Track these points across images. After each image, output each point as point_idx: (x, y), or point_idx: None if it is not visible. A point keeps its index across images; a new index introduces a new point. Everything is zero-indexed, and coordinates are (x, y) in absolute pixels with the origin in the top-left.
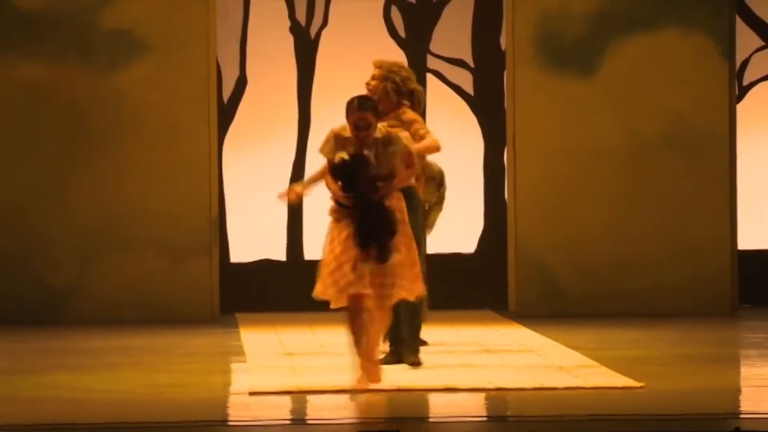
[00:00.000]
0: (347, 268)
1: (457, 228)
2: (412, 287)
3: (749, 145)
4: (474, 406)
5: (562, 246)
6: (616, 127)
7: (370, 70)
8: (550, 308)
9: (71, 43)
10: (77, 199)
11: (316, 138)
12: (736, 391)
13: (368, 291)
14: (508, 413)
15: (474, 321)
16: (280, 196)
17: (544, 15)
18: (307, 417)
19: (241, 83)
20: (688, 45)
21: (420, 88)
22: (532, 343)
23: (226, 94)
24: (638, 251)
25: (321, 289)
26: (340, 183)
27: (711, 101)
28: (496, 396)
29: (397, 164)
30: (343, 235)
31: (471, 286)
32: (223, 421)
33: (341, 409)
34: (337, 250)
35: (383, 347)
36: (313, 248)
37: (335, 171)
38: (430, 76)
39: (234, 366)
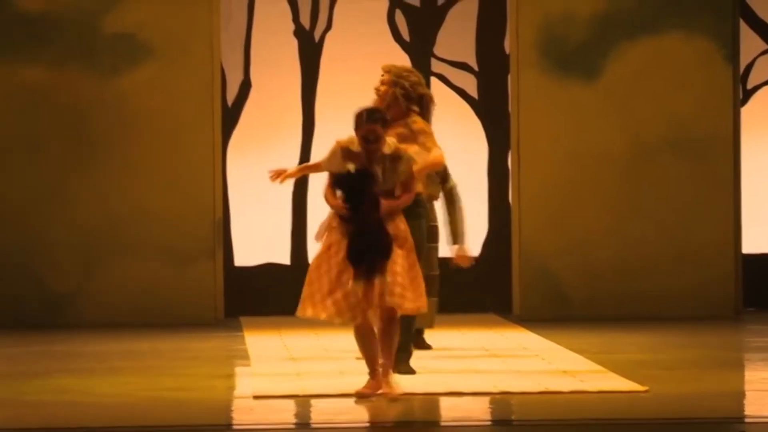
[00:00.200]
0: (339, 295)
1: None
2: (417, 300)
3: (753, 149)
4: (479, 410)
5: (566, 250)
6: (620, 131)
7: (374, 74)
8: (554, 312)
9: (74, 47)
10: (80, 203)
11: (320, 141)
12: (740, 394)
13: (367, 316)
14: (513, 417)
15: (478, 325)
16: (271, 176)
17: (547, 19)
18: (311, 421)
19: (245, 87)
20: (692, 49)
21: (429, 92)
22: (536, 347)
23: (230, 97)
24: (642, 255)
25: (311, 312)
26: (341, 195)
27: (715, 105)
28: (500, 400)
29: (398, 185)
30: (339, 256)
31: (475, 290)
32: (227, 425)
33: (345, 413)
34: (333, 273)
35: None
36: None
37: (339, 182)
38: (434, 80)
39: (238, 370)
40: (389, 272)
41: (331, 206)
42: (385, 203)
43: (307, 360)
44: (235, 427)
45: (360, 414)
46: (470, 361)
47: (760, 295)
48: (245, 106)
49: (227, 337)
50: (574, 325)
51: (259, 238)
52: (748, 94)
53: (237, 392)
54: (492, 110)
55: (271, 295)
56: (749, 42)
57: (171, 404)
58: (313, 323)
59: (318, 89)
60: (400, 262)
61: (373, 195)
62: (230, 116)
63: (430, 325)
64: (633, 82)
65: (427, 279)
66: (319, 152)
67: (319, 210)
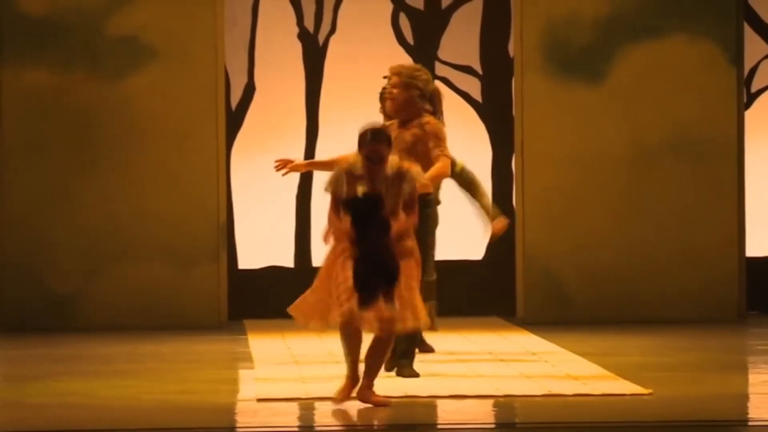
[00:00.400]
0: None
1: (464, 235)
2: (416, 319)
3: (757, 152)
4: (482, 413)
5: (570, 252)
6: (624, 134)
7: (378, 76)
8: (557, 315)
9: (78, 51)
10: (84, 206)
11: (325, 145)
12: (744, 397)
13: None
14: (516, 420)
15: (482, 328)
16: (278, 166)
17: (551, 22)
18: (314, 424)
19: (249, 90)
20: (696, 52)
21: (437, 88)
22: (539, 350)
23: (234, 101)
24: (645, 258)
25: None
26: (349, 218)
27: (719, 108)
28: (504, 403)
29: (402, 204)
30: (348, 272)
31: (479, 293)
32: (231, 428)
33: (349, 416)
34: (341, 290)
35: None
36: (322, 255)
37: (347, 206)
38: (438, 83)
39: (242, 373)
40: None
41: (334, 226)
42: (394, 228)
43: (310, 363)
44: (238, 429)
45: (363, 417)
46: (473, 364)
47: (763, 298)
48: (249, 110)
49: (231, 340)
50: (578, 328)
51: (262, 241)
52: (752, 98)
53: (240, 395)
54: (496, 113)
55: (274, 298)
56: (753, 45)
57: (174, 407)
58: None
59: (322, 92)
60: (403, 280)
61: (381, 219)
62: (234, 119)
63: (434, 329)
64: (636, 85)
65: (426, 285)
66: (323, 155)
67: (323, 213)
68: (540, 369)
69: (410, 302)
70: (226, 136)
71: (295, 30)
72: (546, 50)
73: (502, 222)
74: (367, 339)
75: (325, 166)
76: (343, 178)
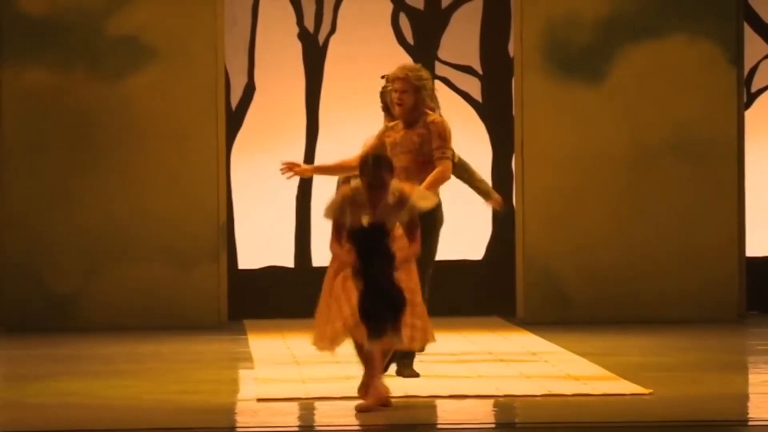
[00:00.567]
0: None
1: (464, 235)
2: (424, 337)
3: (757, 152)
4: (482, 413)
5: (570, 253)
6: (624, 134)
7: (377, 76)
8: (557, 315)
9: (78, 51)
10: (84, 206)
11: (325, 145)
12: (744, 397)
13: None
14: (516, 420)
15: (482, 328)
16: (283, 169)
17: (551, 22)
18: (315, 424)
19: (249, 90)
20: (696, 52)
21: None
22: (539, 350)
23: (234, 101)
24: (645, 258)
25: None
26: (354, 249)
27: (719, 108)
28: (504, 403)
29: (404, 230)
30: (349, 292)
31: (479, 293)
32: (231, 428)
33: (349, 416)
34: (346, 310)
35: None
36: (322, 255)
37: (353, 237)
38: (438, 83)
39: (242, 372)
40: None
41: (336, 254)
42: (399, 257)
43: (310, 363)
44: (238, 429)
45: (363, 417)
46: (474, 364)
47: (763, 298)
48: (249, 110)
49: (231, 340)
50: (578, 328)
51: (262, 241)
52: (752, 98)
53: (240, 395)
54: (496, 113)
55: (274, 298)
56: (753, 45)
57: (174, 407)
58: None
59: (322, 92)
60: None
61: (386, 250)
62: (234, 119)
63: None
64: (636, 86)
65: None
66: (323, 155)
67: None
68: (540, 369)
69: (419, 320)
70: (226, 136)
71: (295, 30)
72: (546, 50)
73: (497, 199)
74: None
75: (330, 170)
76: (344, 205)
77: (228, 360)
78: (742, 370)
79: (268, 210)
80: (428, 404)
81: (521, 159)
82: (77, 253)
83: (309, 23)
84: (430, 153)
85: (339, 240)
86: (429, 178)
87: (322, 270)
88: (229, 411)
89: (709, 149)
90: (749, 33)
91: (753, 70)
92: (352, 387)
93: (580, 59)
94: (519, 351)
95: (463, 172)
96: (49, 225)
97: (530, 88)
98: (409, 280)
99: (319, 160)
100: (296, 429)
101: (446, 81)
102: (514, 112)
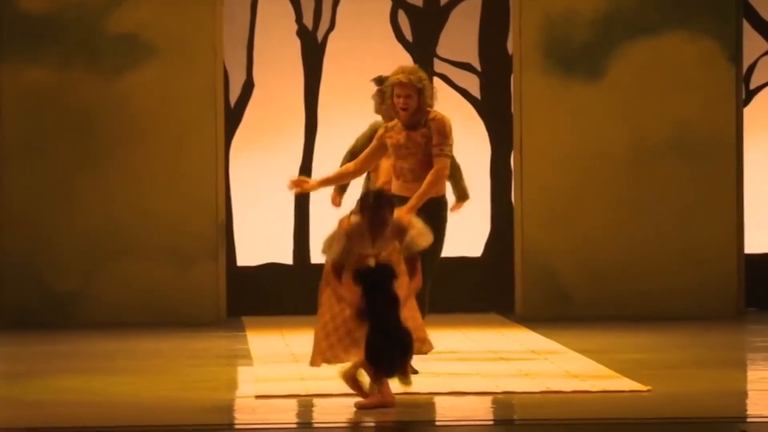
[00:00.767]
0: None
1: (463, 232)
2: (422, 345)
3: (756, 149)
4: (480, 410)
5: (569, 250)
6: (623, 131)
7: (376, 73)
8: (556, 312)
9: (77, 48)
10: (83, 203)
11: (323, 142)
12: (743, 394)
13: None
14: (515, 417)
15: (480, 324)
16: (290, 185)
17: (550, 19)
18: (313, 421)
19: (248, 87)
20: (695, 49)
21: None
22: (538, 347)
23: (233, 98)
24: (644, 255)
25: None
26: (359, 289)
27: (718, 105)
28: (502, 400)
29: (405, 263)
30: (346, 313)
31: (477, 290)
32: (230, 425)
33: (347, 412)
34: (341, 331)
35: None
36: (320, 252)
37: (358, 277)
38: (436, 80)
39: (240, 370)
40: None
41: (338, 294)
42: (402, 296)
43: (309, 360)
44: (237, 426)
45: (362, 414)
46: (472, 361)
47: (761, 295)
48: (248, 106)
49: (230, 337)
50: (576, 325)
51: (261, 238)
52: (750, 95)
53: (239, 392)
54: (495, 110)
55: (273, 295)
56: (752, 42)
57: (173, 404)
58: (315, 323)
59: (321, 89)
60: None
61: (390, 291)
62: (233, 116)
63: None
64: (635, 83)
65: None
66: (322, 152)
67: (321, 209)
68: (539, 366)
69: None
70: (225, 133)
71: (294, 27)
72: (545, 47)
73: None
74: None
75: (333, 181)
76: (343, 240)
77: (227, 357)
78: (741, 366)
79: (267, 207)
80: (427, 401)
81: (520, 156)
82: (76, 251)
83: (308, 20)
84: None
85: (340, 278)
86: (426, 181)
87: (320, 267)
88: (228, 408)
89: (708, 146)
90: (747, 30)
91: (752, 68)
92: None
93: (579, 56)
94: (518, 348)
95: (455, 170)
96: (49, 222)
97: (529, 86)
98: (411, 318)
99: (318, 156)
100: (295, 426)
101: (445, 78)
102: (512, 110)
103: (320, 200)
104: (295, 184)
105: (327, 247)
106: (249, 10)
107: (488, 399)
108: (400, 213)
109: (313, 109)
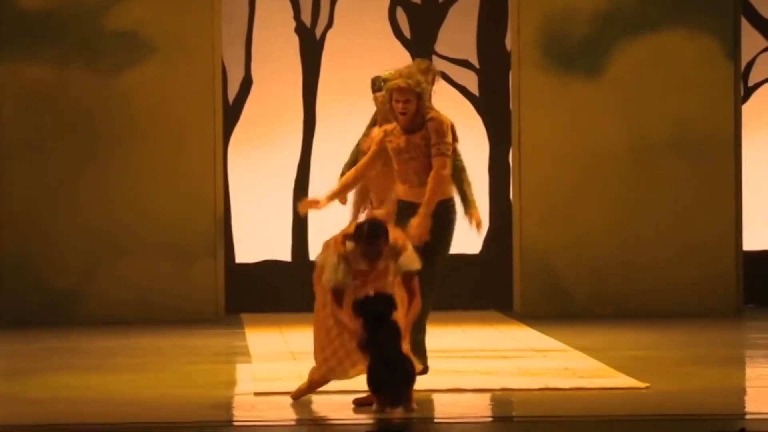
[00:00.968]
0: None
1: (462, 229)
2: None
3: (754, 146)
4: (480, 407)
5: (568, 247)
6: (621, 129)
7: (375, 70)
8: (555, 309)
9: (76, 46)
10: (83, 201)
11: (322, 139)
12: (741, 391)
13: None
14: (514, 414)
15: (479, 322)
16: (302, 207)
17: (549, 16)
18: (312, 417)
19: (247, 84)
20: (694, 46)
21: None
22: (537, 344)
23: (232, 95)
24: (643, 252)
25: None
26: (360, 320)
27: (716, 102)
28: (501, 397)
29: (402, 282)
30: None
31: (476, 287)
32: (229, 422)
33: (346, 409)
34: (336, 344)
35: None
36: (319, 249)
37: (358, 308)
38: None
39: (239, 367)
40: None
41: (344, 325)
42: (403, 325)
43: (307, 357)
44: (236, 423)
45: (360, 411)
46: (472, 359)
47: (760, 292)
48: (246, 103)
49: (228, 334)
50: (575, 323)
51: (260, 235)
52: (749, 92)
53: (238, 389)
54: (493, 107)
55: (272, 292)
56: (750, 39)
57: (172, 401)
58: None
59: (319, 86)
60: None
61: (391, 322)
62: (231, 113)
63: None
64: (634, 80)
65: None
66: (320, 149)
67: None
68: (537, 363)
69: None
70: (224, 130)
71: (293, 24)
72: (543, 44)
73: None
74: None
75: (338, 194)
76: (343, 264)
77: (225, 354)
78: (740, 363)
79: (265, 204)
80: (426, 398)
81: (518, 153)
82: (76, 248)
83: (306, 17)
84: None
85: (341, 303)
86: (428, 187)
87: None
88: (227, 405)
89: (706, 143)
90: (746, 27)
91: (750, 65)
92: (349, 381)
93: (578, 54)
94: (516, 345)
95: (459, 172)
96: (48, 220)
97: (527, 83)
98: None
99: (316, 153)
100: (293, 423)
101: (443, 75)
102: (511, 106)
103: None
104: (307, 205)
105: (329, 276)
106: (247, 7)
107: (487, 396)
108: (414, 222)
109: (311, 106)
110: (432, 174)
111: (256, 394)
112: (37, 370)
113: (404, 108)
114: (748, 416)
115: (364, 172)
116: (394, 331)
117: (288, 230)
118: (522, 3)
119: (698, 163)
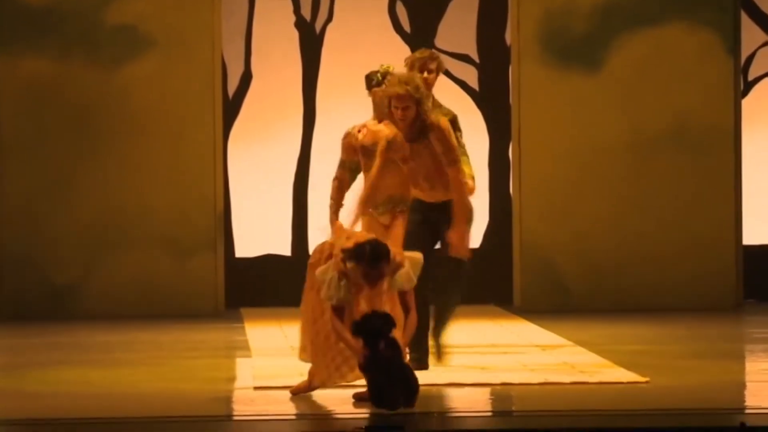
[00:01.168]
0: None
1: None
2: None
3: (754, 140)
4: (479, 401)
5: (567, 241)
6: (622, 123)
7: (374, 64)
8: (554, 303)
9: (76, 40)
10: (83, 195)
11: (321, 133)
12: (741, 386)
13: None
14: (514, 408)
15: (479, 316)
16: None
17: (548, 11)
18: (311, 412)
19: (246, 78)
20: (694, 40)
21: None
22: (536, 339)
23: (231, 89)
24: (643, 247)
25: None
26: (360, 336)
27: (716, 97)
28: (501, 391)
29: (399, 297)
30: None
31: (476, 281)
32: (228, 416)
33: (346, 403)
34: (335, 349)
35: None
36: (318, 243)
37: (358, 327)
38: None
39: (239, 361)
40: None
41: (346, 342)
42: (401, 340)
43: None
44: (235, 417)
45: (360, 405)
46: (471, 354)
47: (760, 287)
48: (246, 98)
49: (228, 329)
50: (575, 317)
51: (259, 229)
52: (749, 86)
53: (238, 383)
54: (493, 102)
55: (271, 286)
56: (750, 34)
57: (172, 395)
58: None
59: (319, 81)
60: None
61: (389, 338)
62: (231, 108)
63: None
64: (634, 74)
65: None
66: (320, 144)
67: (319, 202)
68: (537, 358)
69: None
70: (223, 124)
71: (292, 18)
72: (543, 38)
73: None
74: None
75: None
76: (343, 281)
77: (225, 348)
78: (740, 358)
79: (265, 198)
80: (425, 393)
81: (518, 147)
82: (75, 243)
83: (306, 12)
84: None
85: (342, 319)
86: (454, 201)
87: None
88: (227, 399)
89: (706, 138)
90: (746, 21)
91: (750, 59)
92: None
93: (578, 48)
94: (516, 340)
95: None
96: (47, 214)
97: (527, 77)
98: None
99: (316, 147)
100: (293, 417)
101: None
102: (511, 101)
103: (318, 192)
104: (338, 230)
105: (331, 293)
106: (247, 2)
107: (487, 390)
108: (453, 237)
109: (311, 101)
110: (451, 186)
111: (256, 388)
112: (37, 365)
113: (403, 115)
114: (747, 410)
115: (377, 183)
116: (395, 346)
117: (288, 225)
118: None
119: (698, 158)
